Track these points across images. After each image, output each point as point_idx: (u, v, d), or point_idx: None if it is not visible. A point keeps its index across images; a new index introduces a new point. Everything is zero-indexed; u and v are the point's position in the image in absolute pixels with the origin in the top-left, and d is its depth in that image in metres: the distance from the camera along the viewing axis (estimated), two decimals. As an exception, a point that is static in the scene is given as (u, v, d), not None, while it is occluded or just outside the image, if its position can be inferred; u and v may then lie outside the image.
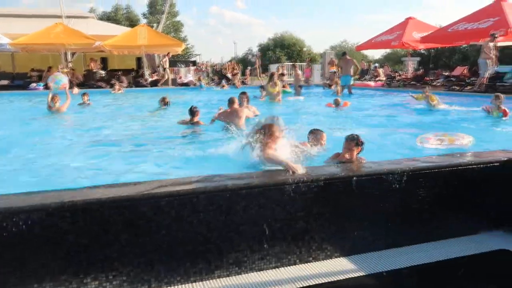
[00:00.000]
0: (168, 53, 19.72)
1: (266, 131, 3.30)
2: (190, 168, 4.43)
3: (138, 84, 18.98)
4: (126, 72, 20.68)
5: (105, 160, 4.91)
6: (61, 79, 9.70)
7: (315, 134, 4.35)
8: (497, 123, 7.48)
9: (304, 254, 2.64)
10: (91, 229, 2.17)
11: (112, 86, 17.44)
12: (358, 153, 3.58)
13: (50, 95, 9.30)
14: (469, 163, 3.00)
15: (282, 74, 13.56)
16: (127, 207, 2.22)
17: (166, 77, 19.48)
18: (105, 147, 5.67)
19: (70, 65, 20.33)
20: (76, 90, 14.36)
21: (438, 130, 6.37)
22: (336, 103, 9.99)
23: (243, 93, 7.73)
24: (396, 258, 2.70)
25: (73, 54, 21.07)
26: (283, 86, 13.44)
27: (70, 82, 12.83)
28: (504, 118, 7.58)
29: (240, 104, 7.47)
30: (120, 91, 17.23)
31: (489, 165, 3.04)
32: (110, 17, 44.07)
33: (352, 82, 15.04)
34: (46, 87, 12.67)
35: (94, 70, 19.86)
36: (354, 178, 2.66)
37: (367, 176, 2.71)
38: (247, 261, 2.51)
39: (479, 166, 3.01)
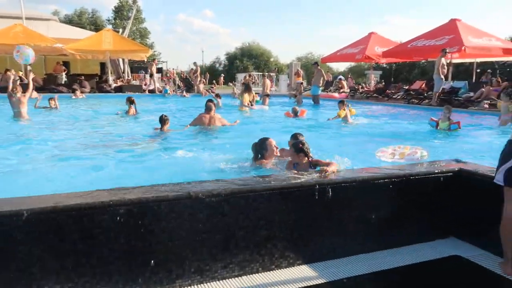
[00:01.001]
0: (154, 59, 19.78)
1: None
2: (157, 176, 4.37)
3: (101, 90, 18.49)
4: (89, 77, 20.10)
5: (64, 168, 4.75)
6: (28, 53, 9.40)
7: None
8: (446, 135, 7.90)
9: (267, 262, 2.66)
10: (45, 238, 2.08)
11: (73, 91, 16.91)
12: (309, 158, 3.68)
13: (12, 78, 9.05)
14: (424, 172, 3.14)
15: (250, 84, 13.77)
16: (85, 215, 2.15)
17: (153, 84, 19.41)
18: (65, 153, 5.49)
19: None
20: (35, 94, 13.79)
21: (392, 142, 6.64)
22: (294, 112, 10.17)
23: (211, 100, 7.79)
24: (355, 265, 2.77)
25: (32, 56, 20.22)
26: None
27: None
28: (458, 130, 8.00)
29: (204, 112, 7.55)
30: (81, 96, 16.76)
31: (443, 174, 3.19)
32: (73, 21, 42.87)
33: (319, 93, 15.37)
34: (3, 90, 12.12)
35: (56, 75, 19.18)
36: (316, 186, 2.71)
37: (328, 184, 2.77)
38: (209, 269, 2.49)
39: (433, 175, 3.16)
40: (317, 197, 2.73)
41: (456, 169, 3.25)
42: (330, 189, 2.76)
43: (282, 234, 2.68)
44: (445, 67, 13.52)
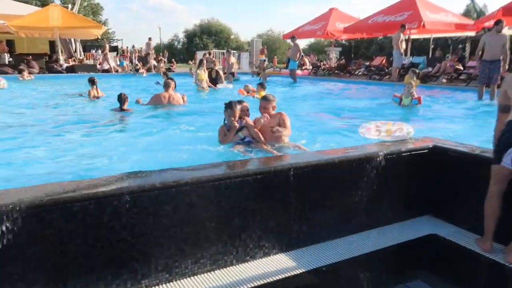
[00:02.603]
0: (150, 38, 18.88)
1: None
2: (114, 163, 4.03)
3: (51, 70, 17.28)
4: (38, 56, 18.71)
5: (13, 155, 4.28)
6: None
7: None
8: (410, 111, 7.92)
9: (241, 253, 2.46)
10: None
11: (20, 72, 15.69)
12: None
13: None
14: (398, 151, 3.03)
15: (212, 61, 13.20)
16: (33, 214, 1.84)
17: (150, 63, 18.41)
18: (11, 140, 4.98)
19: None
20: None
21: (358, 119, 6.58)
22: (247, 90, 10.03)
23: (171, 78, 7.45)
24: (332, 251, 2.64)
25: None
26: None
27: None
28: (418, 105, 8.08)
29: (165, 90, 7.24)
30: (29, 78, 15.61)
31: (417, 152, 3.10)
32: (16, -5, 39.63)
33: (296, 67, 15.18)
34: None
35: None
36: (292, 170, 2.52)
37: (303, 168, 2.59)
38: (178, 266, 2.27)
39: (408, 153, 3.06)
40: (291, 182, 2.55)
41: (430, 145, 3.17)
42: (305, 173, 2.59)
43: (257, 222, 2.49)
44: (404, 42, 13.69)
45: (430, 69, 13.59)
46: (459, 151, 3.06)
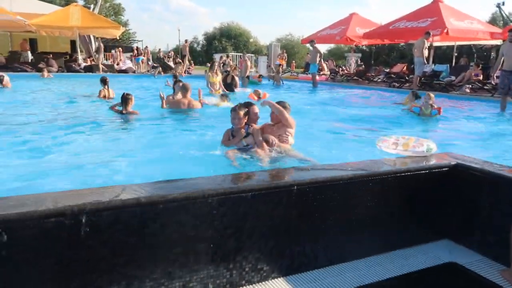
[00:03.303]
0: (186, 40, 19.12)
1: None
2: (113, 172, 3.84)
3: (70, 69, 17.45)
4: (57, 55, 18.95)
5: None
6: None
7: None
8: (429, 122, 7.51)
9: (236, 277, 2.23)
10: None
11: (39, 70, 15.91)
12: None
13: None
14: (416, 168, 2.74)
15: (224, 64, 12.98)
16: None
17: (187, 63, 18.52)
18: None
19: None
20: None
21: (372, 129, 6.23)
22: (257, 95, 9.85)
23: (180, 81, 7.28)
24: (336, 277, 2.38)
25: (-6, 32, 18.93)
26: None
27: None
28: (437, 116, 7.69)
29: (174, 92, 7.04)
30: (49, 76, 15.84)
31: (437, 170, 2.81)
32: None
33: (316, 71, 14.91)
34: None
35: (20, 52, 17.97)
36: (295, 187, 2.28)
37: (308, 184, 2.34)
38: (164, 290, 2.05)
39: (427, 171, 2.77)
40: (294, 199, 2.31)
41: (452, 163, 2.88)
42: (309, 190, 2.34)
43: (254, 243, 2.25)
44: (425, 50, 13.22)
45: (453, 78, 13.10)
46: (484, 170, 2.75)
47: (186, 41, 22.35)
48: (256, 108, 4.46)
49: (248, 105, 4.44)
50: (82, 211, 1.77)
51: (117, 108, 6.37)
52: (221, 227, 2.14)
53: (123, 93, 6.40)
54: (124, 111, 6.23)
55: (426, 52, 13.08)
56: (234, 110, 4.20)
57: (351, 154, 4.29)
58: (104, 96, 8.72)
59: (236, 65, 20.73)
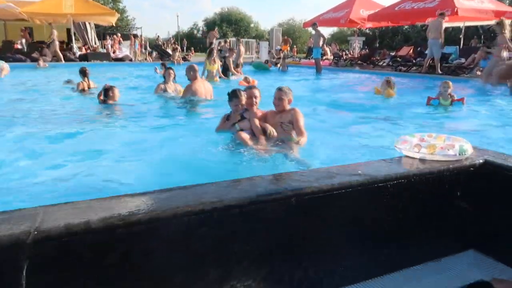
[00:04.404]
0: (216, 29, 18.56)
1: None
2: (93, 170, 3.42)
3: (65, 58, 16.96)
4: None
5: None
6: None
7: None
8: (445, 111, 6.63)
9: (221, 310, 1.82)
10: None
11: (34, 60, 15.47)
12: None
13: None
14: (435, 169, 2.29)
15: (221, 50, 12.38)
16: None
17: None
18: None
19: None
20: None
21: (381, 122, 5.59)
22: (247, 81, 9.51)
23: (170, 68, 6.82)
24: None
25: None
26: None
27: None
28: (463, 106, 6.79)
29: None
30: (44, 66, 15.44)
31: (462, 169, 2.37)
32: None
33: (319, 56, 14.25)
34: None
35: (14, 42, 17.48)
36: (293, 198, 1.84)
37: (310, 194, 1.91)
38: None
39: (450, 172, 2.32)
40: (293, 213, 1.88)
41: (479, 161, 2.42)
42: (312, 200, 1.91)
43: (243, 270, 1.83)
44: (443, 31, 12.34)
45: (462, 60, 12.50)
46: (520, 170, 2.31)
47: (215, 30, 21.50)
48: (256, 92, 4.06)
49: (251, 88, 4.19)
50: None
51: (102, 97, 6.05)
52: (202, 251, 1.72)
53: (105, 85, 6.15)
54: (109, 101, 5.97)
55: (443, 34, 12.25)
56: (236, 96, 3.89)
57: (361, 152, 3.84)
58: (83, 90, 7.87)
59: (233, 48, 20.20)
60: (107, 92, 6.00)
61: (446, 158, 2.27)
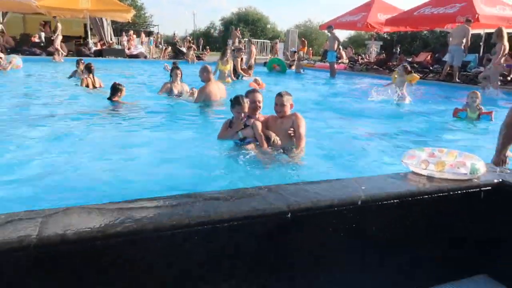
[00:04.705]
0: (237, 28, 18.56)
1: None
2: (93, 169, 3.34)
3: (80, 53, 17.09)
4: (68, 39, 18.61)
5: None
6: None
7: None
8: (470, 126, 5.97)
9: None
10: None
11: (50, 54, 15.65)
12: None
13: None
14: (446, 189, 2.11)
15: (239, 49, 12.19)
16: None
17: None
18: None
19: (0, 27, 17.99)
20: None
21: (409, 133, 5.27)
22: (257, 83, 9.38)
23: (177, 67, 6.72)
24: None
25: (4, 14, 18.60)
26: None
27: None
28: (491, 121, 6.01)
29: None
30: (60, 61, 15.62)
31: (478, 189, 2.19)
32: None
33: (334, 60, 14.02)
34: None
35: (36, 35, 17.69)
36: (289, 214, 1.70)
37: (308, 210, 1.77)
38: None
39: (464, 192, 2.15)
40: (288, 230, 1.74)
41: (496, 181, 2.24)
42: (310, 217, 1.77)
43: (230, 283, 1.70)
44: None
45: (481, 69, 12.13)
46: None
47: (237, 29, 21.43)
48: (259, 96, 3.93)
49: (252, 91, 4.03)
50: None
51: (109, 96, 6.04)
52: (185, 270, 1.59)
53: (114, 82, 6.07)
54: (112, 99, 5.99)
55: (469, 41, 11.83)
56: (238, 103, 3.74)
57: (370, 163, 3.66)
58: (87, 85, 7.70)
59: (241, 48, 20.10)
60: (115, 90, 5.94)
61: (456, 176, 2.10)
